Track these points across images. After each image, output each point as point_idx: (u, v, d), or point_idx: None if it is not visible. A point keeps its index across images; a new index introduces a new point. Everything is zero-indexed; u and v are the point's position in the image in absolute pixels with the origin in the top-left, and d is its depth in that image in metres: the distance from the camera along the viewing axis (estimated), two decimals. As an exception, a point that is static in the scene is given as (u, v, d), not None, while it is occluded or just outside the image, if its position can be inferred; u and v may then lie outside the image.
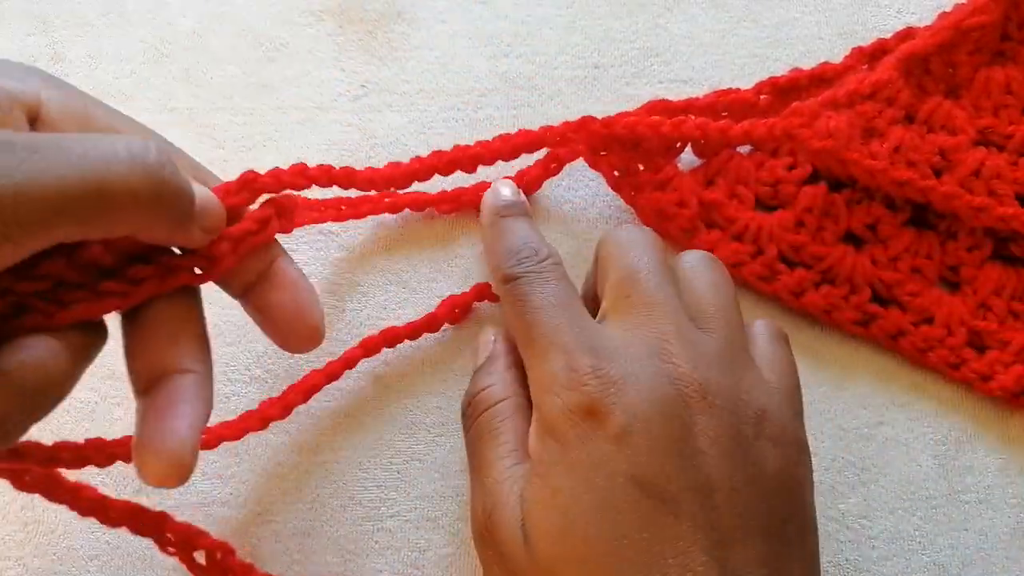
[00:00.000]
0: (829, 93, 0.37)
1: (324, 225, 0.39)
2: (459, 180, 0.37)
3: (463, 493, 0.36)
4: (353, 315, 0.38)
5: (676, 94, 0.39)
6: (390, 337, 0.36)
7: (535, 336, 0.31)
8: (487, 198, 0.36)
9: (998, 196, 0.36)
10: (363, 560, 0.36)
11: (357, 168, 0.35)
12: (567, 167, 0.38)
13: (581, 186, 0.39)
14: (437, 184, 0.37)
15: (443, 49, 0.41)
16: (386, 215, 0.38)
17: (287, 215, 0.32)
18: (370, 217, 0.38)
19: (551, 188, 0.39)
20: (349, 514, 0.36)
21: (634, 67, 0.41)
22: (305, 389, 0.35)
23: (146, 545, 0.35)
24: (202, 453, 0.36)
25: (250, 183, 0.31)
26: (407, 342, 0.37)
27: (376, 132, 0.40)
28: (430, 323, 0.37)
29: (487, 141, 0.37)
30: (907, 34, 0.39)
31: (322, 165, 0.34)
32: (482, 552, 0.31)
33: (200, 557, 0.34)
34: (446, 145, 0.37)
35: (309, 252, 0.38)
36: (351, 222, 0.38)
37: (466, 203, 0.38)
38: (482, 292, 0.37)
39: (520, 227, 0.34)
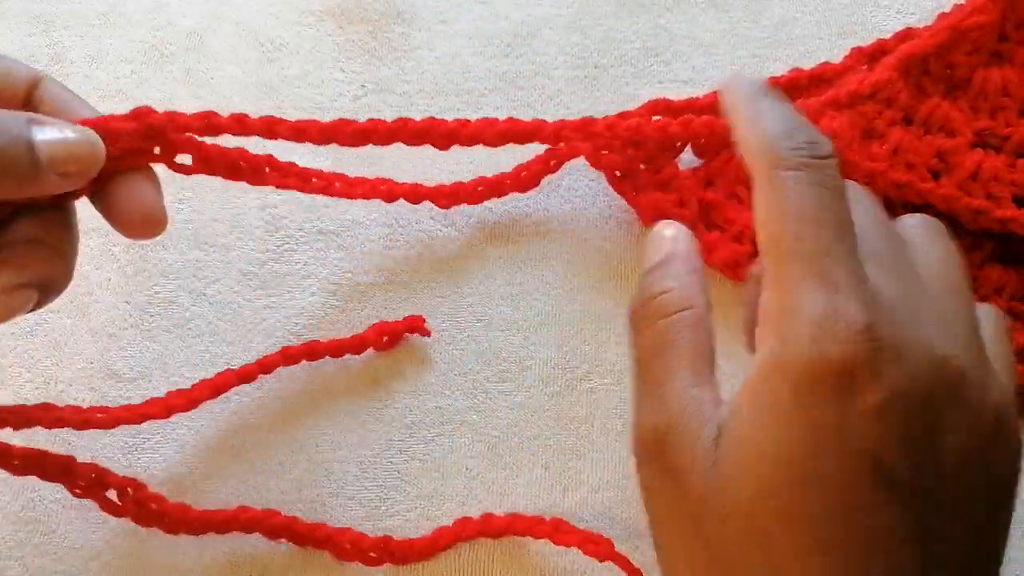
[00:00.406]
0: (831, 93, 0.37)
1: (324, 224, 0.39)
2: (455, 179, 0.38)
3: (463, 493, 0.36)
4: (353, 315, 0.38)
5: (676, 94, 0.38)
6: (312, 351, 0.36)
7: (800, 251, 0.25)
8: (731, 80, 0.29)
9: (996, 199, 0.36)
10: (363, 560, 0.36)
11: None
12: (567, 166, 0.38)
13: (581, 186, 0.39)
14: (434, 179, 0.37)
15: (443, 49, 0.41)
16: (392, 208, 0.38)
17: (158, 139, 0.32)
18: (369, 216, 0.38)
19: (551, 188, 0.39)
20: (350, 514, 0.36)
21: (634, 67, 0.41)
22: (214, 386, 0.35)
23: (147, 545, 0.36)
24: (203, 453, 0.37)
25: (143, 116, 0.31)
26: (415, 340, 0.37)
27: (376, 132, 0.40)
28: (355, 345, 0.37)
29: (466, 120, 0.35)
30: (907, 34, 0.39)
31: (235, 113, 0.33)
32: (646, 474, 0.28)
33: (113, 496, 0.34)
34: (446, 145, 0.37)
35: (309, 252, 0.38)
36: (350, 223, 0.38)
37: (463, 198, 0.37)
38: (414, 324, 0.37)
39: (787, 108, 0.28)
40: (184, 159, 0.32)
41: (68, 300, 0.38)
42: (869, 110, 0.36)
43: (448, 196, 0.37)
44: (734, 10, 0.41)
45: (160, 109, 0.40)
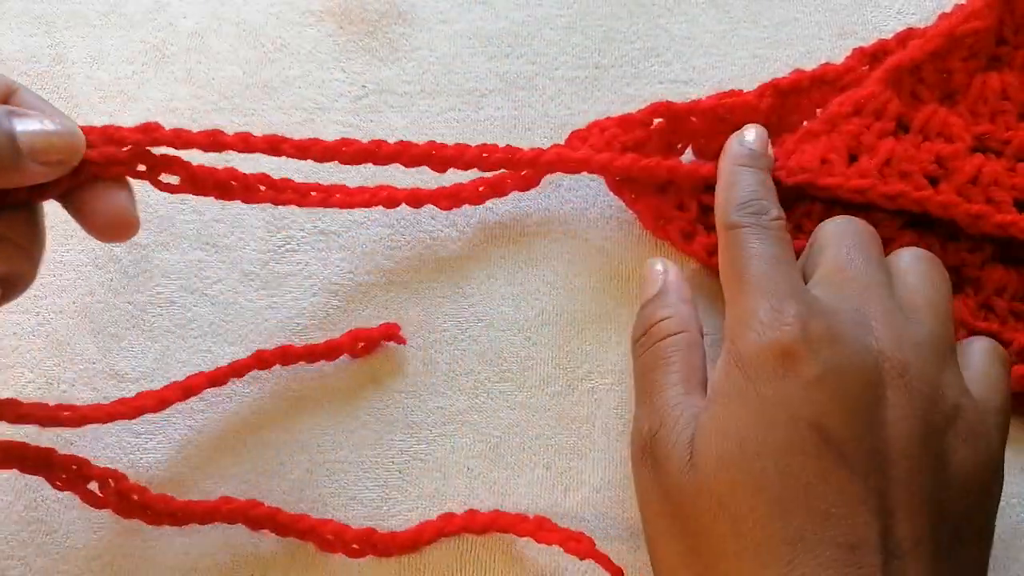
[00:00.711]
0: (806, 127, 0.37)
1: (326, 225, 0.39)
2: (456, 179, 0.38)
3: (465, 493, 0.36)
4: (355, 315, 0.38)
5: (676, 95, 0.39)
6: (285, 355, 0.36)
7: (747, 279, 0.31)
8: (732, 141, 0.36)
9: (996, 203, 0.36)
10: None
11: None
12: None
13: (581, 186, 0.39)
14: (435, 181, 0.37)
15: (444, 50, 0.41)
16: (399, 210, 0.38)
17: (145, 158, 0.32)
18: (371, 216, 0.38)
19: (552, 188, 0.39)
20: (351, 513, 0.36)
21: (635, 68, 0.41)
22: (184, 388, 0.35)
23: (148, 545, 0.36)
24: (205, 453, 0.37)
25: (151, 131, 0.32)
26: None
27: (377, 133, 0.40)
28: (329, 351, 0.37)
29: (466, 145, 0.36)
30: (907, 35, 0.39)
31: (239, 132, 0.34)
32: (638, 469, 0.32)
33: (95, 488, 0.34)
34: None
35: (311, 252, 0.39)
36: (351, 223, 0.39)
37: (465, 200, 0.37)
38: (389, 332, 0.37)
39: (754, 180, 0.34)
40: (170, 178, 0.33)
41: (70, 301, 0.38)
42: (855, 126, 0.36)
43: (449, 198, 0.37)
44: (734, 10, 0.41)
45: (162, 110, 0.40)
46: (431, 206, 0.37)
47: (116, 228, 0.31)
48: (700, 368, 0.33)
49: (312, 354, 0.37)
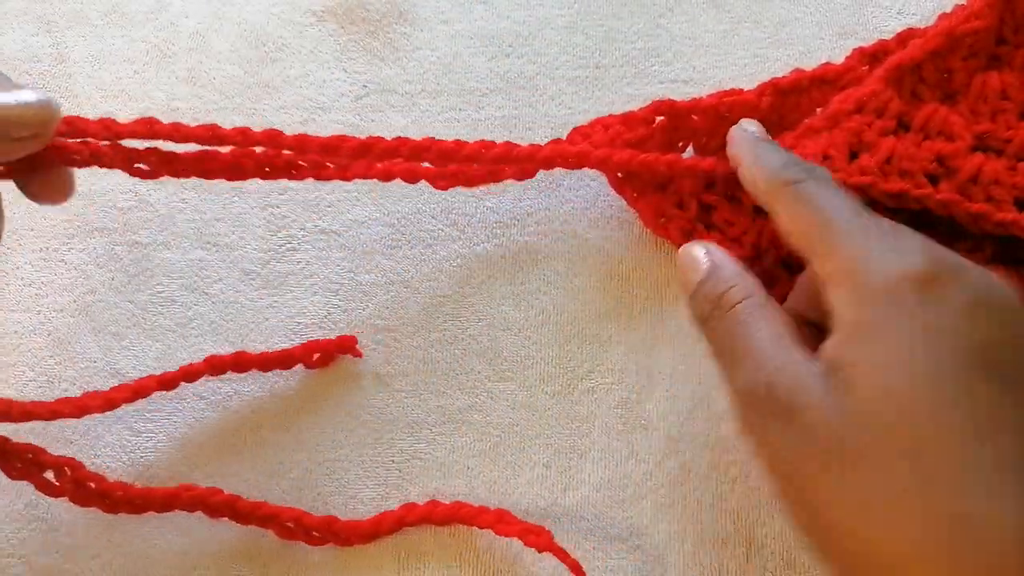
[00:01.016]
0: (807, 123, 0.37)
1: (326, 224, 0.39)
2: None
3: (463, 492, 0.36)
4: (356, 314, 0.38)
5: (677, 94, 0.38)
6: (239, 362, 0.36)
7: (838, 223, 0.30)
8: (735, 130, 0.36)
9: (996, 202, 0.36)
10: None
11: None
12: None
13: (582, 186, 0.39)
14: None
15: (445, 49, 0.41)
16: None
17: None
18: (372, 215, 0.38)
19: (552, 188, 0.39)
20: (351, 513, 0.36)
21: (635, 67, 0.41)
22: (133, 390, 0.35)
23: (148, 544, 0.36)
24: (202, 451, 0.37)
25: (72, 123, 0.32)
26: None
27: (378, 132, 0.39)
28: (282, 359, 0.37)
29: (463, 142, 0.35)
30: (908, 35, 0.39)
31: (238, 127, 0.33)
32: (759, 431, 0.30)
33: (51, 477, 0.34)
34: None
35: (312, 252, 0.39)
36: (352, 222, 0.39)
37: (462, 181, 0.36)
38: (346, 344, 0.37)
39: (778, 148, 0.34)
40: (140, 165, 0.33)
41: (71, 299, 0.38)
42: (856, 124, 0.36)
43: (449, 178, 0.36)
44: (735, 10, 0.41)
45: (163, 109, 0.40)
46: (431, 205, 0.37)
47: (58, 198, 0.32)
48: (785, 321, 0.31)
49: (267, 362, 0.37)
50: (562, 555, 0.34)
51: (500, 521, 0.35)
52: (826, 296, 0.30)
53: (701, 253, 0.34)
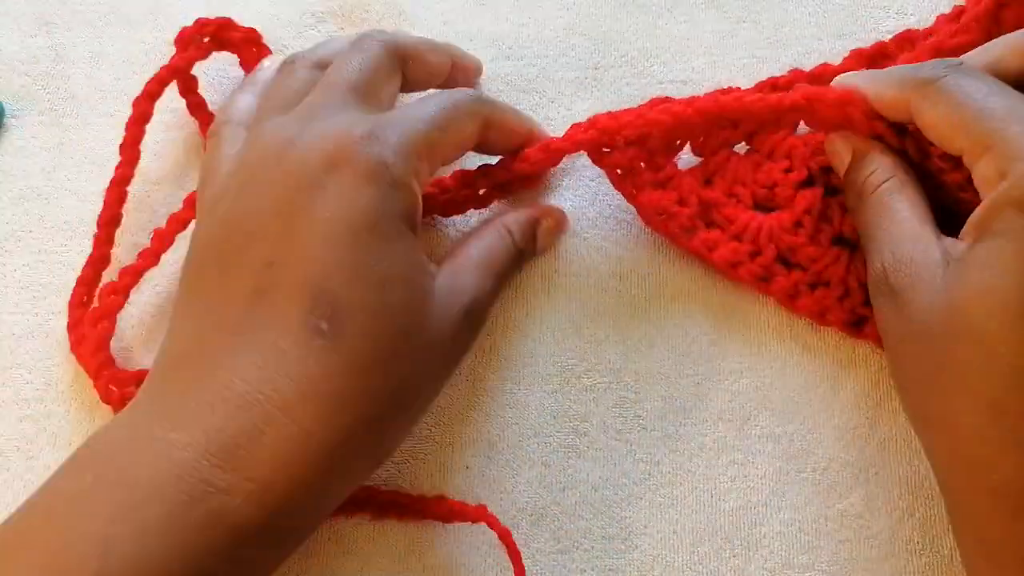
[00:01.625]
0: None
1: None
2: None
3: (463, 491, 0.36)
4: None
5: (676, 95, 0.39)
6: None
7: (993, 114, 0.30)
8: (842, 76, 0.36)
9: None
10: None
11: None
12: (568, 164, 0.38)
13: (581, 185, 0.39)
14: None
15: (444, 50, 0.41)
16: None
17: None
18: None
19: (552, 187, 0.39)
20: (349, 513, 0.36)
21: (634, 68, 0.41)
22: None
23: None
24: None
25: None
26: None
27: (377, 132, 0.40)
28: None
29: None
30: (906, 35, 0.39)
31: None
32: (877, 305, 0.33)
33: None
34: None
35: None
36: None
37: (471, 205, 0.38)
38: None
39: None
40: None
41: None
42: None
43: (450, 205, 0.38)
44: (733, 11, 0.41)
45: (163, 109, 0.40)
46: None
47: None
48: (922, 203, 0.32)
49: None
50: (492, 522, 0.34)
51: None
52: (981, 189, 0.30)
53: (841, 144, 0.35)
